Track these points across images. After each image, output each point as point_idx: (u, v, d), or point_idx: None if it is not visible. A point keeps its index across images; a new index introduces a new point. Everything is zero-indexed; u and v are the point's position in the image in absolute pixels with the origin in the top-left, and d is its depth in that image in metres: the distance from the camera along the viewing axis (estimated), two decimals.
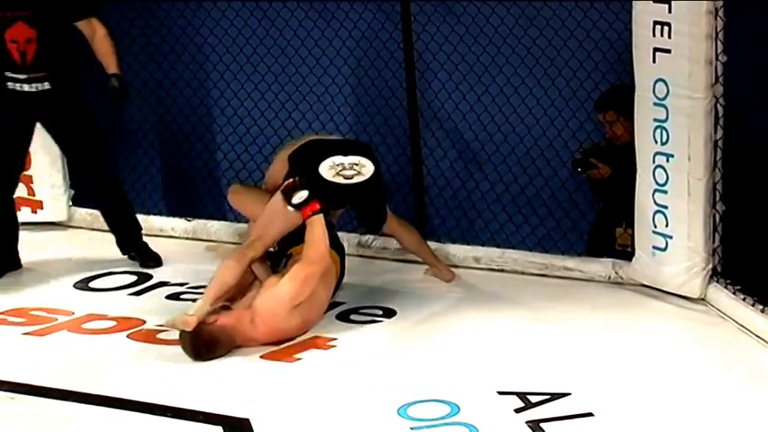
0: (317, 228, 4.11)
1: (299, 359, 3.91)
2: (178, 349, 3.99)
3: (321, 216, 4.13)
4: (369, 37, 5.39)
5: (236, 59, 5.68)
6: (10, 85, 4.64)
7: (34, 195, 5.52)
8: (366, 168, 4.26)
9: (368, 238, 5.05)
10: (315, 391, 3.65)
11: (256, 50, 5.63)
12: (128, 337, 4.16)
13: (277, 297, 3.97)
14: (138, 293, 4.65)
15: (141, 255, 4.97)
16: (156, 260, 4.95)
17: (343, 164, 4.24)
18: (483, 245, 4.99)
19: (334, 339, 4.08)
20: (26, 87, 4.64)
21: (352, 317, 4.32)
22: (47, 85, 4.66)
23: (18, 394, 3.63)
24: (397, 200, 5.37)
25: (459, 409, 3.45)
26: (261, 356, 3.94)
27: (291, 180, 4.19)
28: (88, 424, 3.44)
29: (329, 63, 5.50)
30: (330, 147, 4.35)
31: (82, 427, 3.42)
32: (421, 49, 5.20)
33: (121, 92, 4.80)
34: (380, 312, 4.36)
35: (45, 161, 5.48)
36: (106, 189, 4.99)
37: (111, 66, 4.80)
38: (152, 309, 4.43)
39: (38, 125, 4.85)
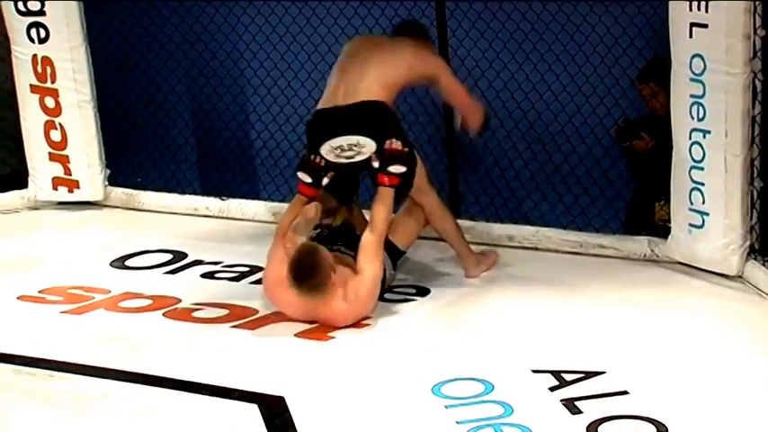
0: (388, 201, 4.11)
1: (333, 338, 3.92)
2: (213, 327, 4.02)
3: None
4: (401, 14, 5.34)
5: (268, 39, 5.68)
6: None
7: (71, 175, 5.57)
8: (366, 148, 4.17)
9: None
10: (349, 370, 3.66)
11: (289, 29, 5.62)
12: (163, 315, 4.19)
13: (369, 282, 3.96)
14: (173, 272, 4.69)
15: None
16: None
17: (341, 146, 4.19)
18: (517, 223, 4.98)
19: (368, 318, 4.08)
20: None
21: (386, 295, 4.31)
22: None
23: (57, 372, 3.67)
24: (430, 178, 5.36)
25: (493, 387, 3.44)
26: (295, 335, 3.95)
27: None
28: (125, 401, 3.47)
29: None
30: (330, 127, 4.23)
31: (119, 405, 3.45)
32: (453, 26, 5.17)
33: None
34: (414, 291, 4.35)
35: (81, 140, 5.52)
36: None
37: None
38: (187, 287, 4.46)
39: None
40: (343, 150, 4.19)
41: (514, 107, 5.24)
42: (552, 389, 3.42)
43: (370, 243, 4.03)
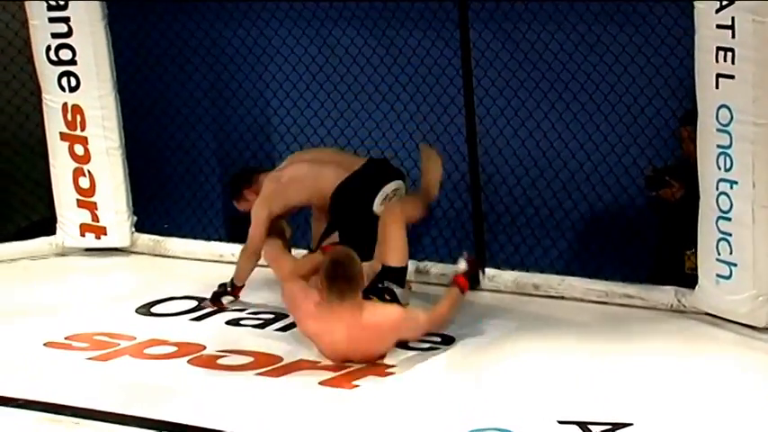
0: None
1: (357, 386, 3.91)
2: (238, 375, 4.02)
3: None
4: (427, 63, 5.40)
5: (295, 87, 5.73)
6: None
7: (98, 221, 5.61)
8: (401, 190, 4.59)
9: (425, 264, 5.05)
10: (374, 419, 3.64)
11: (316, 78, 5.67)
12: (188, 362, 4.20)
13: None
14: (198, 319, 4.70)
15: None
16: None
17: (387, 194, 4.55)
18: (542, 272, 4.95)
19: (393, 366, 4.07)
20: None
21: (411, 344, 4.31)
22: None
23: (82, 419, 3.68)
24: (455, 226, 5.37)
25: None
26: (320, 383, 3.94)
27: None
28: None
29: (388, 90, 5.53)
30: (372, 177, 4.57)
31: None
32: (479, 75, 5.20)
33: None
34: (439, 339, 4.34)
35: (109, 187, 5.57)
36: None
37: None
38: (212, 334, 4.47)
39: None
40: (387, 198, 4.53)
41: (540, 155, 5.25)
42: None
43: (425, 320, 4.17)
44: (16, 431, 3.63)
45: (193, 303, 4.84)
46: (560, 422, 3.51)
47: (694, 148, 4.54)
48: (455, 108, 5.32)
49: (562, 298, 4.76)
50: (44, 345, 4.37)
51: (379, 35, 5.48)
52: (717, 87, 4.13)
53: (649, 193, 4.82)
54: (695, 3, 4.18)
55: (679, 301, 4.53)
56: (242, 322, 4.59)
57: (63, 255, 5.64)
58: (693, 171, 4.46)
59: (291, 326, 4.44)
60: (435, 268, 5.05)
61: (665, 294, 4.57)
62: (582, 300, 4.72)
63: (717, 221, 4.25)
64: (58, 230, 5.70)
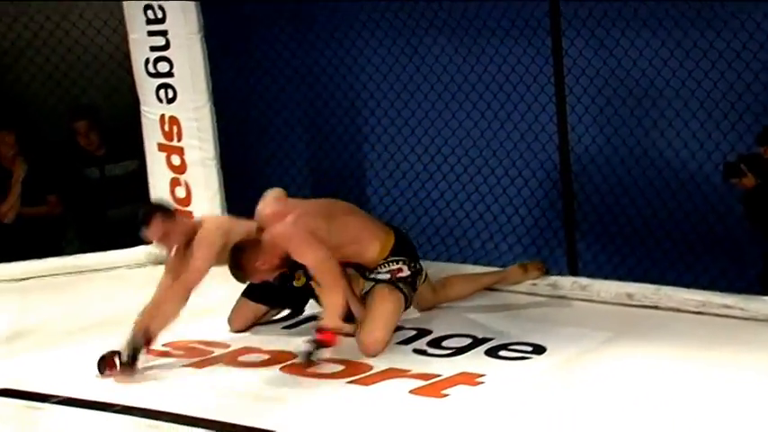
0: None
1: (448, 395, 3.90)
2: (329, 383, 4.05)
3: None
4: (518, 71, 5.38)
5: (386, 96, 5.76)
6: None
7: None
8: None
9: None
10: (463, 428, 3.63)
11: (407, 87, 5.70)
12: (281, 370, 4.25)
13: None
14: (290, 327, 4.75)
15: None
16: None
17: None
18: (636, 281, 4.88)
19: (483, 376, 4.05)
20: None
21: (501, 353, 4.29)
22: None
23: (178, 425, 3.75)
24: (547, 235, 5.33)
25: None
26: (410, 391, 3.95)
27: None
28: None
29: (479, 98, 5.51)
30: None
31: None
32: (571, 82, 5.15)
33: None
34: (530, 349, 4.31)
35: (204, 197, 5.68)
36: None
37: None
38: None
39: None
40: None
41: (634, 163, 5.17)
42: None
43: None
44: None
45: (285, 312, 4.89)
46: None
47: None
48: (546, 116, 5.29)
49: (656, 308, 4.67)
50: (143, 352, 4.46)
51: (471, 43, 5.48)
52: None
53: (724, 180, 4.66)
54: None
55: None
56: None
57: (160, 263, 5.75)
58: None
59: None
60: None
61: (766, 305, 4.45)
62: (678, 310, 4.62)
63: None
64: None
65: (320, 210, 4.38)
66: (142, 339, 4.20)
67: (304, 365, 4.14)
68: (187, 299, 4.31)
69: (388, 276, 4.34)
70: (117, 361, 4.18)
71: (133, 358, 4.17)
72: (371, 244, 4.34)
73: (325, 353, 4.17)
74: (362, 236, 4.35)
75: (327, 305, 4.23)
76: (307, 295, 4.61)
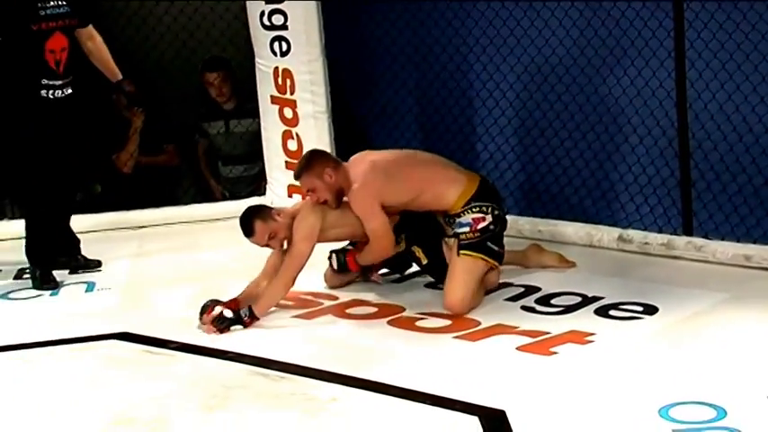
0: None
1: (556, 353, 3.88)
2: (436, 337, 4.06)
3: None
4: (637, 26, 5.21)
5: (499, 51, 5.68)
6: (43, 92, 4.83)
7: None
8: None
9: (628, 232, 4.93)
10: (572, 387, 3.61)
11: (520, 41, 5.60)
12: (388, 323, 4.28)
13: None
14: (398, 281, 4.77)
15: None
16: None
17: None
18: (755, 242, 4.73)
19: (592, 334, 4.01)
20: (59, 94, 4.86)
21: (612, 312, 4.23)
22: (69, 90, 4.91)
23: (287, 374, 3.83)
24: (661, 193, 5.20)
25: (725, 413, 3.30)
26: (517, 348, 3.94)
27: None
28: (351, 406, 3.56)
29: (594, 53, 5.39)
30: None
31: (346, 409, 3.54)
32: (692, 37, 4.98)
33: (140, 95, 5.16)
34: (641, 309, 4.24)
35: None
36: (68, 195, 5.13)
37: (116, 72, 5.08)
38: (412, 296, 4.55)
39: None
40: None
41: (756, 121, 4.99)
42: None
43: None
44: (228, 380, 3.81)
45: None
46: None
47: None
48: (665, 71, 5.14)
49: None
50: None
51: (582, 6, 5.33)
52: None
53: None
54: None
55: None
56: (439, 286, 4.63)
57: None
58: None
59: (489, 291, 4.46)
60: (638, 236, 4.92)
61: None
62: None
63: None
64: (267, 191, 5.92)
65: (387, 165, 4.49)
66: (244, 317, 4.28)
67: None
68: (292, 285, 4.39)
69: (468, 229, 4.37)
70: (215, 315, 4.26)
71: (229, 327, 4.25)
72: (448, 190, 4.44)
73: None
74: (434, 183, 4.45)
75: (365, 254, 4.54)
76: (408, 260, 4.63)
